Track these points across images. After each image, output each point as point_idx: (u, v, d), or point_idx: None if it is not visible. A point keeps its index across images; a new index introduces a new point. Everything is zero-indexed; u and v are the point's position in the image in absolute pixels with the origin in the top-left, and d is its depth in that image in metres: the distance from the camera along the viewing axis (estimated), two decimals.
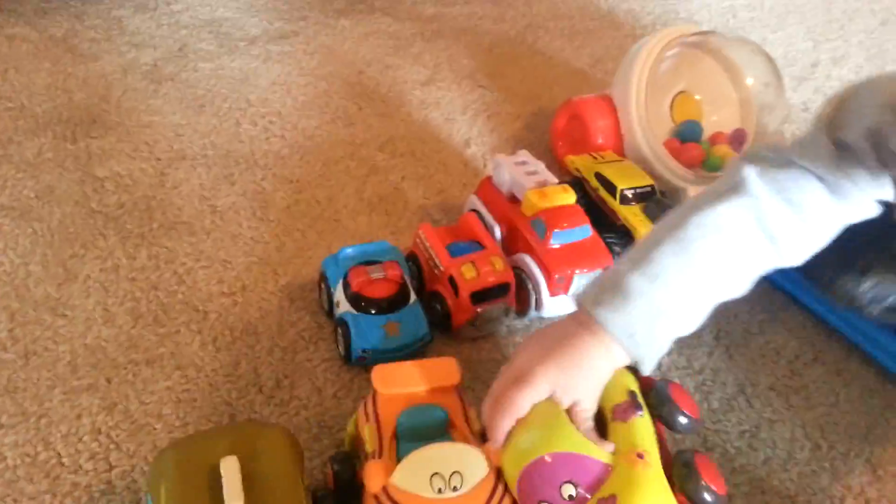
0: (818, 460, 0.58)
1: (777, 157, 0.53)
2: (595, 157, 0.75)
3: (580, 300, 0.50)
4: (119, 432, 0.54)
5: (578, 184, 0.73)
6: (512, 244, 0.68)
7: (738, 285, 0.52)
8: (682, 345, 0.66)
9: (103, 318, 0.62)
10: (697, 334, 0.67)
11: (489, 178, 0.71)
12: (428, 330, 0.61)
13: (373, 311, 0.60)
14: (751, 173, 0.52)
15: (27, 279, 0.65)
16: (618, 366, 0.49)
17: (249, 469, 0.42)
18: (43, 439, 0.53)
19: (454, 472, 0.45)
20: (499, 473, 0.46)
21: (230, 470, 0.41)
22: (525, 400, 0.47)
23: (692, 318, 0.51)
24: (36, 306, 0.62)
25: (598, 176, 0.73)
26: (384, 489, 0.45)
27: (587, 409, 0.48)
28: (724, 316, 0.69)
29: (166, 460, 0.44)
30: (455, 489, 0.44)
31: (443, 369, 0.52)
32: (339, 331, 0.61)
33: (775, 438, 0.59)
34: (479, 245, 0.65)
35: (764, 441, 0.59)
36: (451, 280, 0.62)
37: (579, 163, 0.75)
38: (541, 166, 0.71)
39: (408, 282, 0.63)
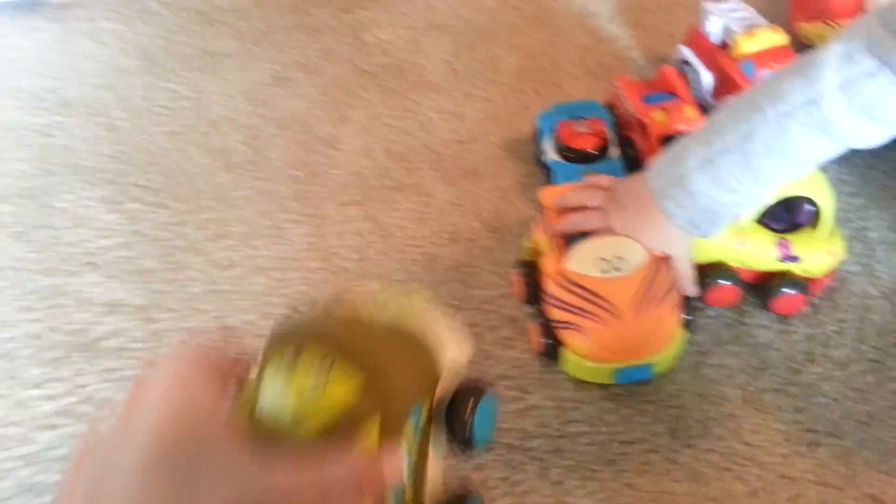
0: None
1: (866, 46, 0.47)
2: (830, 25, 0.73)
3: (651, 185, 0.55)
4: (373, 236, 0.70)
5: None
6: (722, 90, 0.70)
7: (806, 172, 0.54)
8: None
9: (365, 153, 0.78)
10: None
11: (697, 29, 0.73)
12: None
13: (575, 161, 0.68)
14: (830, 71, 0.48)
15: (312, 120, 0.83)
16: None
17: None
18: (321, 234, 0.70)
19: (617, 257, 0.54)
20: (657, 261, 0.55)
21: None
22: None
23: (757, 204, 0.56)
24: (318, 140, 0.80)
25: None
26: (559, 272, 0.55)
27: (679, 262, 0.56)
28: None
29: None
30: (618, 270, 0.53)
31: (602, 182, 0.60)
32: (546, 176, 0.70)
33: None
34: (674, 95, 0.69)
35: None
36: (642, 125, 0.67)
37: (811, 31, 0.73)
38: (751, 11, 0.71)
39: (610, 138, 0.69)
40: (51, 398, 0.59)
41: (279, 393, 0.33)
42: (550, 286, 0.56)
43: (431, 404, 0.37)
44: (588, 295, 0.54)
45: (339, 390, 0.33)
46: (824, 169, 0.56)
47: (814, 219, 0.59)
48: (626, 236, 0.56)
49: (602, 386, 0.57)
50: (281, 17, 0.97)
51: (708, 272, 0.59)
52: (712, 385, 0.56)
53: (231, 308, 0.64)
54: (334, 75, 0.88)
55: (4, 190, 0.76)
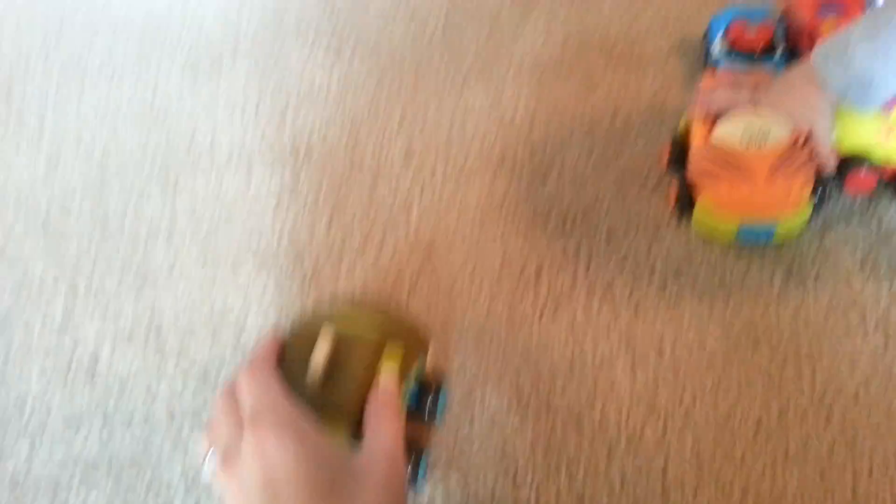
0: None
1: None
2: None
3: (814, 54, 0.60)
4: (541, 106, 0.81)
5: None
6: None
7: None
8: None
9: (543, 42, 0.88)
10: None
11: None
12: None
13: (742, 59, 0.75)
14: None
15: (500, 12, 0.94)
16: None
17: (340, 359, 0.45)
18: (497, 100, 0.82)
19: (761, 130, 0.61)
20: (799, 136, 0.61)
21: (321, 349, 0.44)
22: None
23: None
24: (504, 29, 0.91)
25: None
26: (706, 140, 0.63)
27: (821, 136, 0.61)
28: None
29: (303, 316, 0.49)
30: (760, 141, 0.61)
31: (759, 78, 0.66)
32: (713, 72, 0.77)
33: None
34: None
35: None
36: (812, 35, 0.72)
37: None
38: None
39: (778, 38, 0.75)
40: (277, 184, 0.75)
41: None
42: (695, 151, 0.64)
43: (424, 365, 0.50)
44: (728, 160, 0.62)
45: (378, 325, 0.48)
46: None
47: None
48: (774, 112, 0.62)
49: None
50: None
51: (850, 161, 0.64)
52: (833, 249, 0.62)
53: (417, 139, 0.78)
54: None
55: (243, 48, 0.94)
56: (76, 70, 0.92)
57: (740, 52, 0.75)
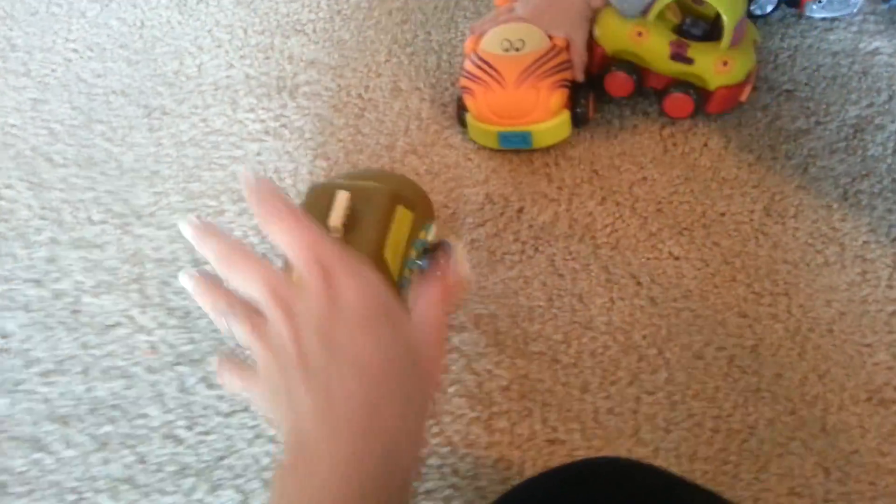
0: None
1: None
2: None
3: None
4: None
5: None
6: None
7: None
8: None
9: None
10: None
11: None
12: None
13: None
14: None
15: None
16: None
17: (358, 208, 0.49)
18: None
19: (520, 39, 0.64)
20: (556, 46, 0.64)
21: (340, 201, 0.49)
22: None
23: None
24: None
25: None
26: (474, 51, 0.66)
27: (578, 44, 0.65)
28: None
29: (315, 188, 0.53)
30: (517, 50, 0.64)
31: None
32: None
33: None
34: None
35: None
36: None
37: None
38: None
39: None
40: (260, 120, 0.75)
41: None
42: (466, 62, 0.67)
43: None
44: (485, 66, 0.65)
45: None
46: None
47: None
48: (533, 24, 0.65)
49: (717, 169, 0.64)
50: None
51: (610, 62, 0.65)
52: (815, 181, 0.61)
53: (404, 73, 0.77)
54: None
55: None
56: (64, 4, 0.90)
57: None
